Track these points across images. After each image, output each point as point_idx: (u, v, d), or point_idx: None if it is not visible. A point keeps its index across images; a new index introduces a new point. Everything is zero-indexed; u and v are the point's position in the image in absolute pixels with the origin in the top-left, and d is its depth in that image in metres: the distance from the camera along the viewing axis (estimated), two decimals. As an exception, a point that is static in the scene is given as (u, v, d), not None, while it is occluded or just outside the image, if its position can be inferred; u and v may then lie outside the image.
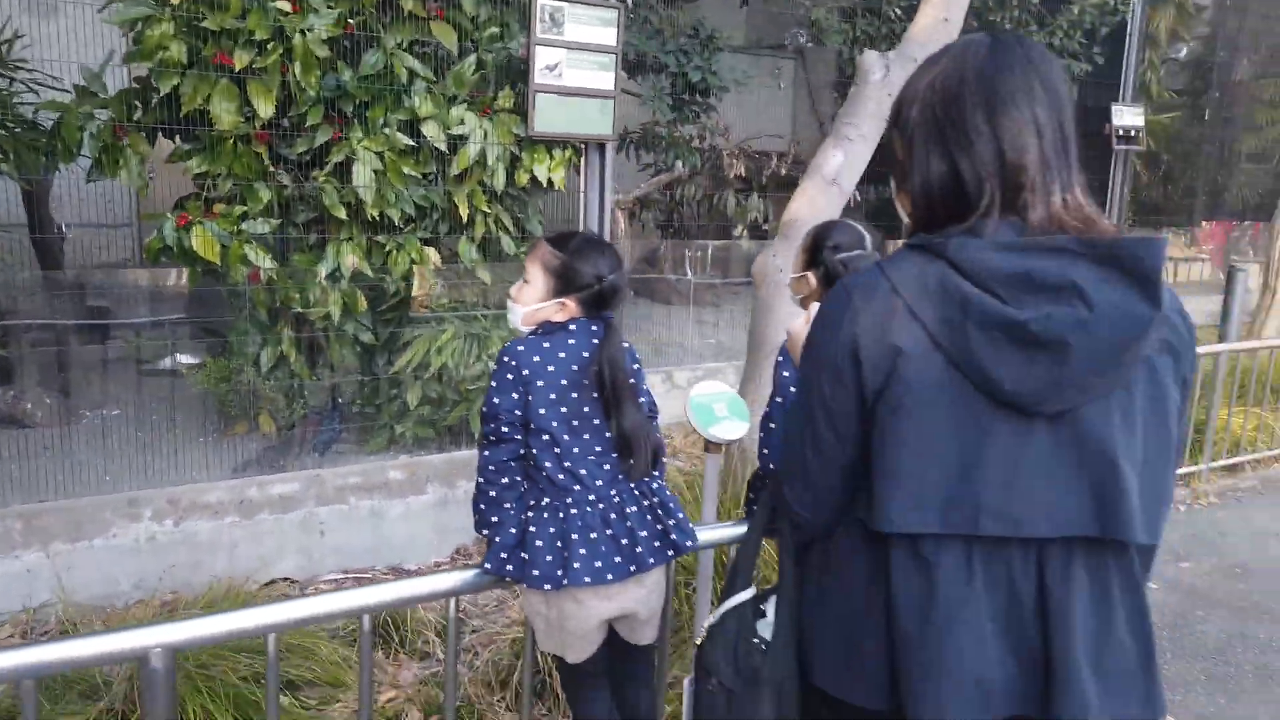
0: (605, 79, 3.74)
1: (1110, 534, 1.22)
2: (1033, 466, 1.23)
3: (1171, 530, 4.68)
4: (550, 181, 3.82)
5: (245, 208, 3.52)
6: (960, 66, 1.32)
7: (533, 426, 1.87)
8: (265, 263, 3.52)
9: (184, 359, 4.50)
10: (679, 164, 6.21)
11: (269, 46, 3.39)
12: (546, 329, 1.93)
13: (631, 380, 1.95)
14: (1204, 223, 11.32)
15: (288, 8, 3.39)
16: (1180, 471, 5.27)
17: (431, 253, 3.81)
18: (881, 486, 1.26)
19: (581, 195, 3.95)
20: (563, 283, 1.92)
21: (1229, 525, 4.80)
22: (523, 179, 3.83)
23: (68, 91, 3.84)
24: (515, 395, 1.86)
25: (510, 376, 1.86)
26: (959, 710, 1.25)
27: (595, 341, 1.94)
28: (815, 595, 1.43)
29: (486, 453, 1.91)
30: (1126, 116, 7.29)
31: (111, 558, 3.21)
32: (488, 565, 1.87)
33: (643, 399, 2.02)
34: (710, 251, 7.97)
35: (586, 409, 1.90)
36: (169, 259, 3.50)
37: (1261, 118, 11.30)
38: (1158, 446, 1.26)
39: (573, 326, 1.93)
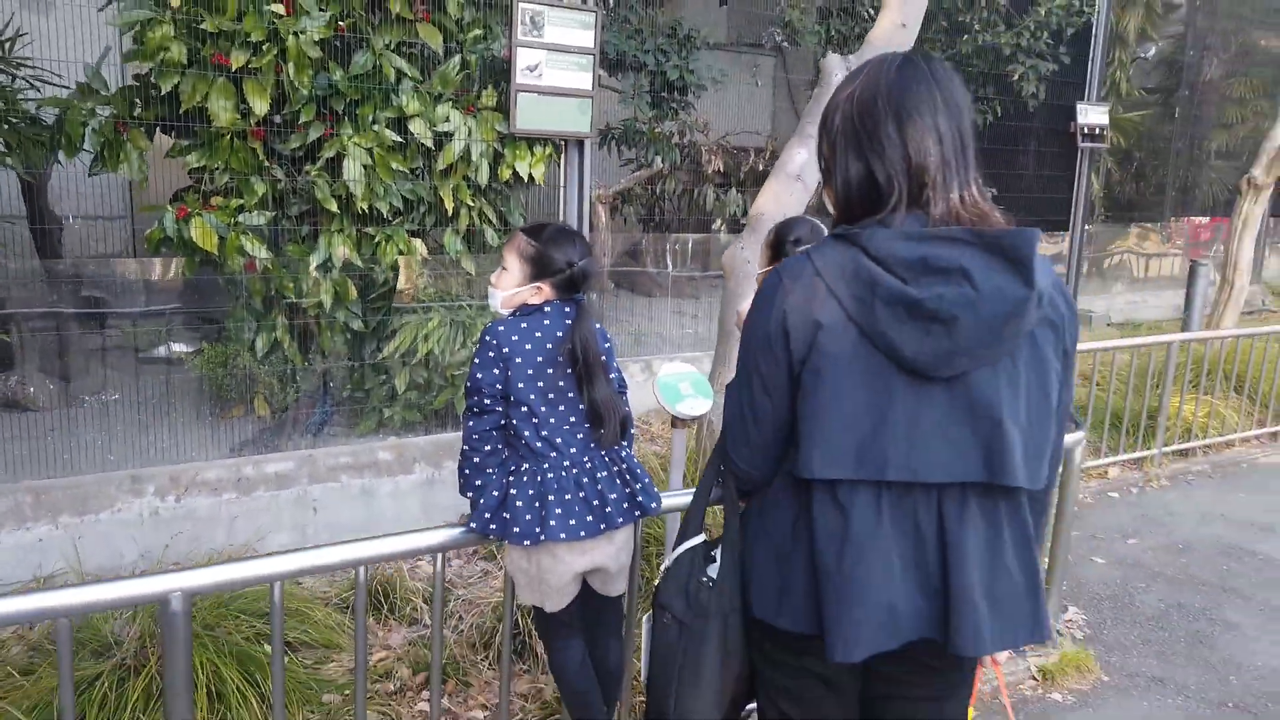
0: (584, 79, 3.93)
1: (996, 480, 1.44)
2: (931, 423, 1.44)
3: (1122, 510, 4.95)
4: (531, 177, 4.01)
5: (242, 200, 3.69)
6: (874, 82, 1.54)
7: (513, 399, 2.08)
8: (260, 253, 3.70)
9: (180, 347, 4.68)
10: (659, 159, 6.40)
11: (264, 47, 3.56)
12: (524, 311, 2.15)
13: (603, 357, 2.17)
14: (1174, 219, 11.58)
15: (282, 10, 3.56)
16: (1133, 455, 5.53)
17: (418, 244, 3.99)
18: (805, 440, 1.48)
19: (561, 190, 4.14)
20: (537, 269, 2.13)
21: (1177, 506, 5.05)
22: (505, 174, 4.00)
23: (66, 87, 4.00)
24: (496, 371, 2.07)
25: (491, 354, 2.07)
26: (870, 632, 1.47)
27: (568, 322, 2.14)
28: (753, 538, 1.65)
29: (471, 423, 2.12)
30: (1091, 115, 7.52)
31: (117, 530, 3.40)
32: (473, 524, 2.09)
33: (613, 375, 2.23)
34: (690, 245, 8.16)
35: (561, 383, 2.11)
36: (169, 249, 3.67)
37: (1231, 115, 11.57)
38: (1039, 407, 1.48)
39: (548, 309, 2.14)
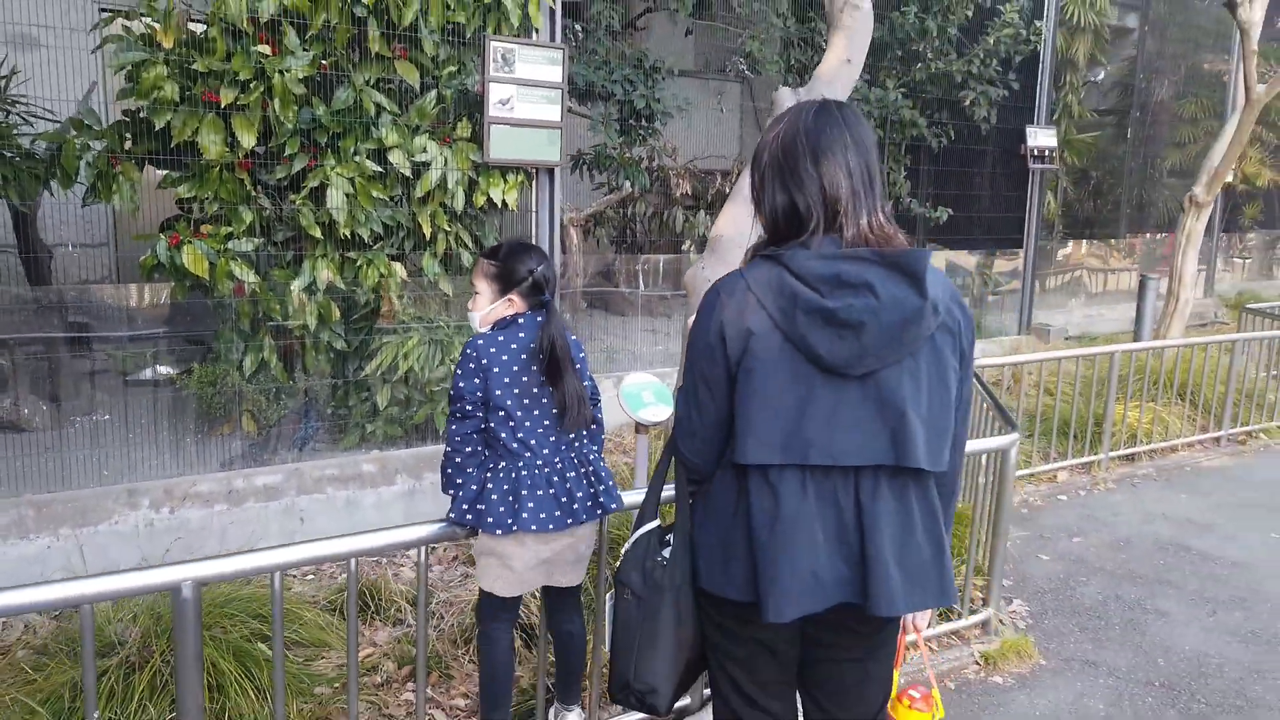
0: (553, 111, 4.19)
1: (902, 463, 1.69)
2: (846, 414, 1.69)
3: (1069, 511, 5.23)
4: (505, 202, 4.24)
5: (230, 228, 3.88)
6: (795, 126, 1.81)
7: (491, 404, 2.32)
8: (249, 277, 3.90)
9: (167, 370, 4.85)
10: (628, 184, 6.67)
11: (252, 85, 3.76)
12: (500, 325, 2.39)
13: (570, 352, 2.40)
14: (1129, 236, 12.00)
15: (268, 50, 3.78)
16: (1081, 460, 5.82)
17: (398, 267, 4.21)
18: (740, 431, 1.73)
19: (534, 214, 4.39)
20: (503, 283, 2.38)
21: (1122, 507, 5.33)
22: (480, 200, 4.22)
23: (57, 122, 4.20)
24: (476, 380, 2.31)
25: (472, 365, 2.32)
26: (797, 595, 1.71)
27: (540, 329, 2.40)
28: (700, 520, 1.89)
29: (454, 427, 2.36)
30: (1040, 137, 7.90)
31: (114, 541, 3.58)
32: (452, 515, 2.32)
33: (586, 383, 2.47)
34: (661, 265, 8.42)
35: (535, 390, 2.35)
36: (161, 275, 3.88)
37: (1184, 135, 12.02)
38: (939, 400, 1.74)
39: (522, 320, 2.39)
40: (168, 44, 3.64)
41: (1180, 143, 11.97)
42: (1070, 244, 11.19)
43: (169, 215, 4.22)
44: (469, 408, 2.32)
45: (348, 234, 4.04)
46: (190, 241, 3.76)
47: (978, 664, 3.53)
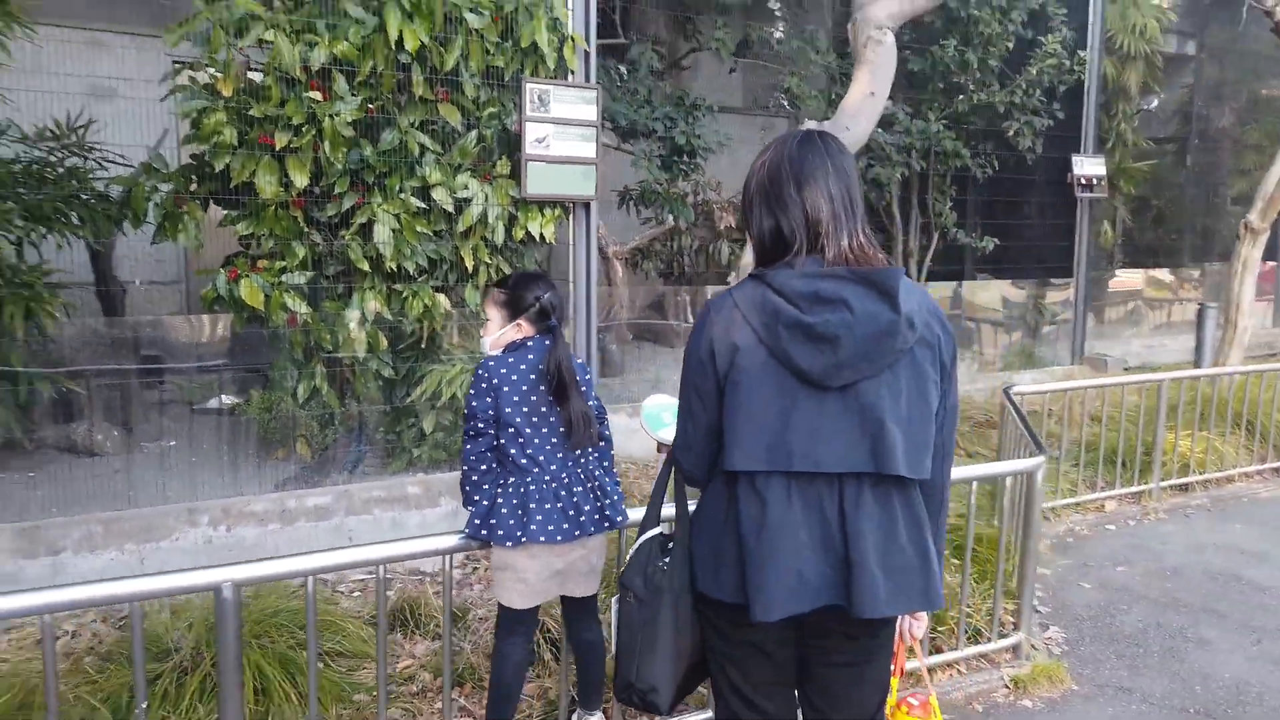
0: (588, 148, 4.37)
1: (882, 470, 1.78)
2: (828, 423, 1.79)
3: (1116, 541, 5.17)
4: (543, 235, 4.43)
5: (284, 263, 4.13)
6: (780, 154, 1.93)
7: (502, 422, 2.46)
8: (301, 309, 4.14)
9: (229, 399, 5.13)
10: (671, 217, 6.83)
11: (304, 129, 4.01)
12: (511, 348, 2.54)
13: (576, 375, 2.53)
14: (1191, 264, 11.76)
15: (319, 96, 4.04)
16: (1130, 490, 5.74)
17: (442, 299, 4.42)
18: (728, 439, 1.84)
19: (571, 246, 4.57)
20: (511, 310, 2.54)
21: (1172, 537, 5.24)
22: (519, 234, 4.40)
23: (130, 166, 4.53)
24: (488, 399, 2.46)
25: (484, 385, 2.47)
26: (782, 596, 1.79)
27: (548, 352, 2.54)
28: (697, 527, 1.99)
29: (469, 445, 2.51)
30: (1087, 166, 7.86)
31: (175, 556, 3.80)
32: (466, 531, 2.47)
33: (591, 402, 2.60)
34: (707, 296, 8.53)
35: (544, 408, 2.49)
36: (221, 307, 4.14)
37: (1249, 162, 11.79)
38: (919, 411, 1.82)
39: (530, 343, 2.53)
40: (227, 92, 3.92)
41: (1245, 170, 11.74)
42: (1129, 273, 11.02)
43: (232, 252, 4.50)
44: (481, 425, 2.46)
45: (394, 267, 4.25)
46: (247, 275, 4.01)
47: (1007, 688, 3.53)
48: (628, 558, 2.14)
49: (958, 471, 3.78)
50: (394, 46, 4.06)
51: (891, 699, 2.24)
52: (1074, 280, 8.35)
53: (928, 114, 7.50)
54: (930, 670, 3.52)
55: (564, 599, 2.65)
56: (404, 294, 4.30)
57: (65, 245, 4.52)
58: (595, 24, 4.59)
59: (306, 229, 4.25)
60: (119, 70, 4.96)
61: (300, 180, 4.05)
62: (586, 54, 4.45)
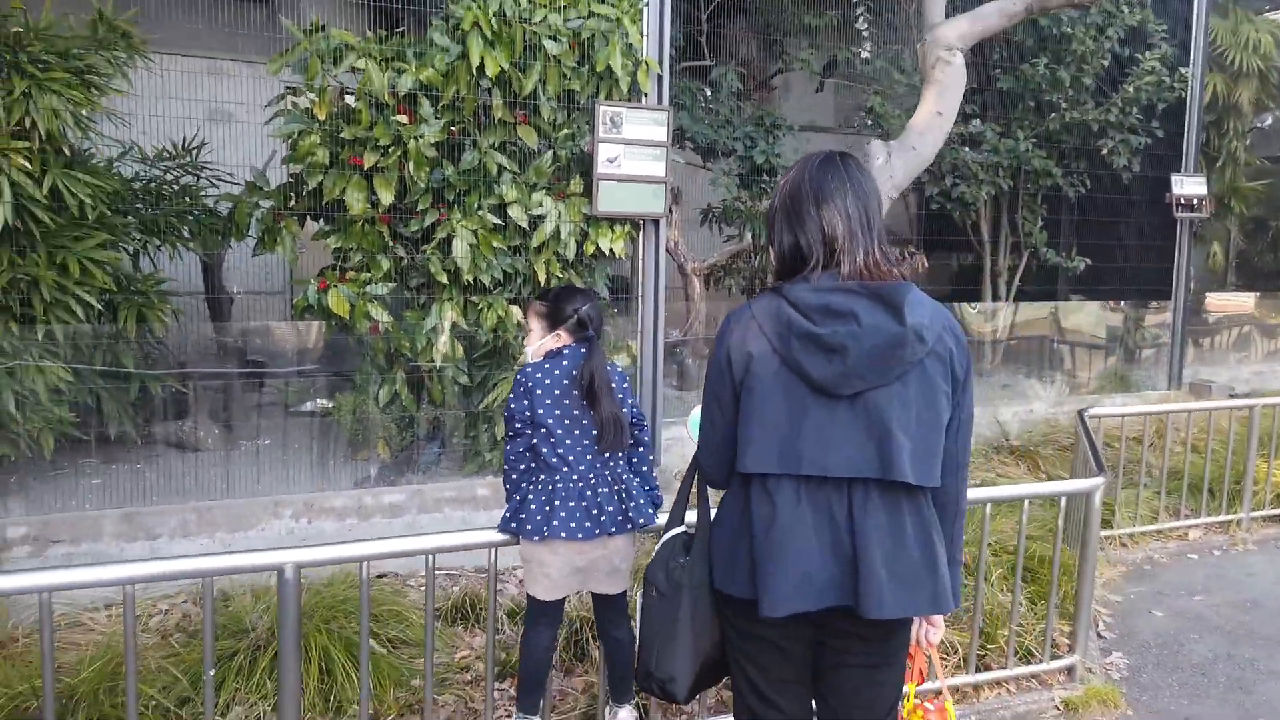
0: (658, 168, 4.53)
1: (888, 476, 1.86)
2: (837, 430, 1.88)
3: (1197, 570, 5.02)
4: (613, 251, 4.61)
5: (369, 274, 4.42)
6: (801, 174, 2.03)
7: (536, 423, 2.62)
8: (384, 318, 4.42)
9: (322, 402, 5.47)
10: (749, 235, 6.92)
11: (390, 150, 4.29)
12: (549, 355, 2.71)
13: (611, 383, 2.68)
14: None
15: (405, 120, 4.31)
16: (1218, 519, 5.54)
17: (516, 310, 4.63)
18: (741, 443, 1.94)
19: (640, 261, 4.73)
20: (551, 320, 2.71)
21: (1258, 568, 5.05)
22: (590, 249, 4.59)
23: (237, 184, 4.89)
24: (525, 402, 2.63)
25: (521, 389, 2.65)
26: (789, 593, 1.88)
27: (583, 360, 2.69)
28: (715, 525, 2.10)
29: (509, 445, 2.69)
30: (1187, 185, 7.60)
31: (258, 544, 4.08)
32: (499, 526, 2.64)
33: (625, 409, 2.73)
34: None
35: (576, 412, 2.65)
36: (311, 315, 4.44)
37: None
38: (928, 422, 1.89)
39: (566, 351, 2.70)
40: (322, 116, 4.22)
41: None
42: (1240, 296, 10.54)
43: (327, 264, 4.81)
44: (519, 426, 2.64)
45: (471, 280, 4.48)
46: (335, 286, 4.30)
47: (1057, 709, 3.49)
48: (653, 553, 2.26)
49: (1010, 490, 3.77)
50: (476, 73, 4.30)
51: (909, 704, 2.29)
52: (1173, 303, 8.06)
53: (1017, 132, 7.40)
54: (976, 688, 3.51)
55: (594, 597, 2.79)
56: (480, 305, 4.52)
57: (177, 257, 4.91)
58: (670, 48, 4.74)
59: (391, 243, 4.52)
60: (235, 95, 5.35)
61: (386, 198, 4.32)
62: (659, 77, 4.61)
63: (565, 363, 2.68)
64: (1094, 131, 7.55)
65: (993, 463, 6.25)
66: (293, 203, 4.61)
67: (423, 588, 4.25)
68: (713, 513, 2.14)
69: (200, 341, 5.42)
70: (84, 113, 3.98)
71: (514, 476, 2.68)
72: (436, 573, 4.38)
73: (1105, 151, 7.55)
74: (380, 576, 4.35)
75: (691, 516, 2.25)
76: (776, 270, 2.07)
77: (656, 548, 2.26)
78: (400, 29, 4.62)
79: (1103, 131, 7.54)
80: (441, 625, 3.76)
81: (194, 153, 5.18)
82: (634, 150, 4.47)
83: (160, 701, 2.89)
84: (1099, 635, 4.16)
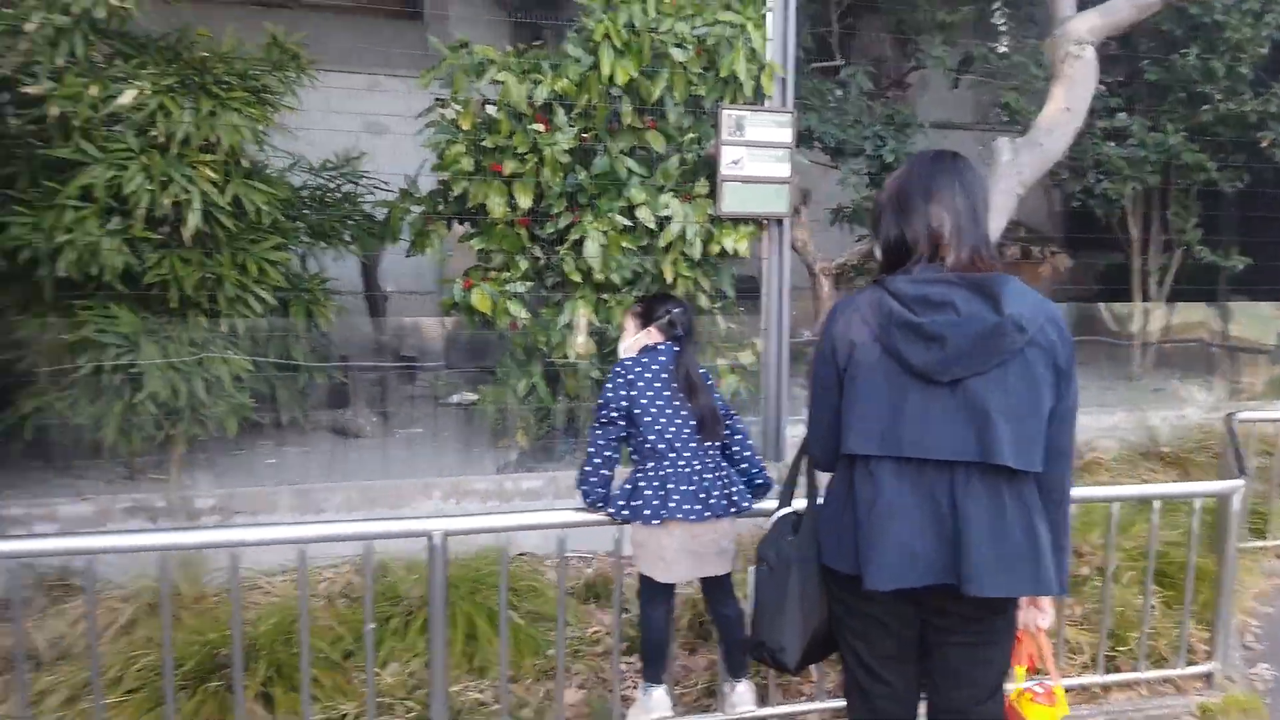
0: (781, 169, 4.65)
1: (988, 459, 1.94)
2: (937, 414, 1.98)
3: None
4: (736, 250, 4.77)
5: (509, 274, 4.73)
6: (912, 170, 2.15)
7: (639, 412, 2.81)
8: (522, 315, 4.73)
9: (469, 395, 5.85)
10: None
11: (528, 157, 4.57)
12: (644, 352, 2.92)
13: (704, 376, 2.89)
14: None
15: (541, 128, 4.60)
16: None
17: (645, 308, 4.85)
18: (845, 426, 2.07)
19: (764, 260, 4.86)
20: (644, 320, 2.94)
21: None
22: (715, 249, 4.76)
23: (391, 191, 5.30)
24: (624, 391, 2.83)
25: (620, 380, 2.85)
26: (892, 568, 1.99)
27: (676, 357, 2.90)
28: (824, 504, 2.23)
29: (598, 432, 2.87)
30: (1360, 176, 7.10)
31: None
32: (611, 511, 2.84)
33: (716, 399, 2.91)
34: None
35: (675, 403, 2.84)
36: (456, 312, 4.79)
37: None
38: (1028, 408, 1.96)
39: (660, 348, 2.91)
40: (466, 126, 4.55)
41: None
42: None
43: (471, 265, 5.16)
44: (613, 414, 2.83)
45: (603, 279, 4.72)
46: (478, 285, 4.62)
47: (1193, 715, 3.42)
48: (765, 531, 2.41)
49: (1137, 489, 3.71)
50: (606, 82, 4.55)
51: (1018, 688, 2.34)
52: (1343, 301, 7.54)
53: (1166, 126, 7.10)
54: (1106, 689, 3.48)
55: (703, 580, 2.95)
56: (610, 303, 4.75)
57: (340, 258, 5.36)
58: (797, 50, 4.85)
59: (529, 244, 4.81)
60: (391, 109, 5.77)
61: (524, 202, 4.61)
62: (783, 80, 4.73)
63: (662, 358, 2.90)
64: (1252, 124, 7.15)
65: (1139, 469, 6.06)
66: (440, 207, 4.98)
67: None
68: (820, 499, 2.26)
69: (359, 337, 5.89)
70: (260, 128, 4.43)
71: (598, 461, 2.85)
72: (569, 555, 4.67)
73: (1265, 144, 7.14)
74: (520, 555, 4.65)
75: (800, 501, 2.38)
76: (882, 263, 2.18)
77: (767, 526, 2.41)
78: (538, 41, 4.91)
79: (1262, 123, 7.13)
80: (575, 602, 4.00)
81: (353, 162, 5.63)
82: (757, 152, 4.60)
83: (329, 655, 3.24)
84: (1245, 646, 4.01)
